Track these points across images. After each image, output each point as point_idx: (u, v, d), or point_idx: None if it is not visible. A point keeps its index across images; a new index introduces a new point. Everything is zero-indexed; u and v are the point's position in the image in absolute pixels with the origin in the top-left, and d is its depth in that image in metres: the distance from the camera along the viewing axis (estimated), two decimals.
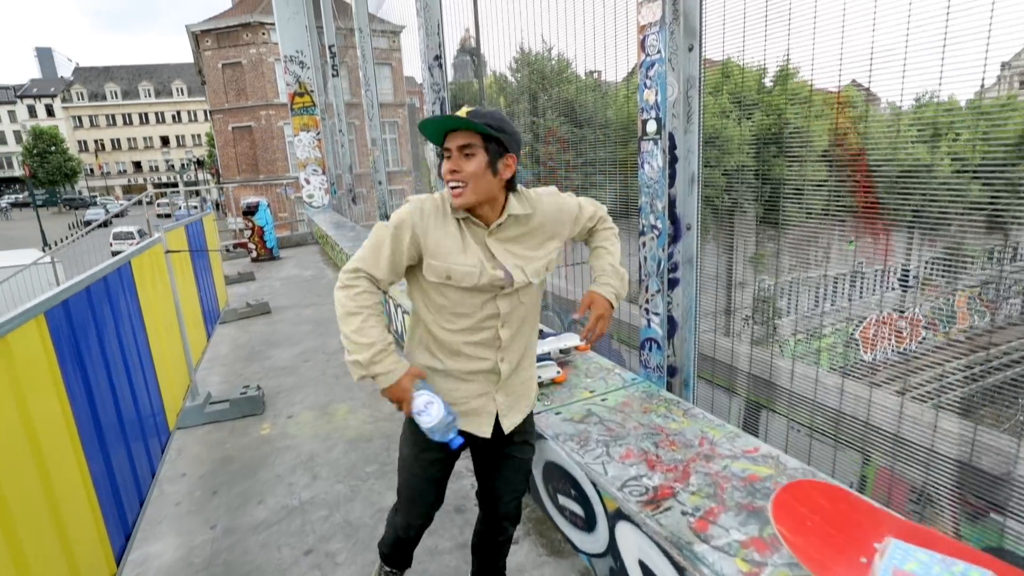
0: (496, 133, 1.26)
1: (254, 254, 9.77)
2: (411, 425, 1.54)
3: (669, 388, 2.30)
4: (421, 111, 7.47)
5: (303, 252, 10.74)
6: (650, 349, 2.31)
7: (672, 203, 2.13)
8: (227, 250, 10.89)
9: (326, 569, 2.29)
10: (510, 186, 1.36)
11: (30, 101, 59.39)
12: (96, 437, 2.08)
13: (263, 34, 24.78)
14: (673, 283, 2.20)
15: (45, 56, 65.27)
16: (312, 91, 10.46)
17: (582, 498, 1.86)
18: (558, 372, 2.31)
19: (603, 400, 2.17)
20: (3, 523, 1.41)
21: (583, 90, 3.10)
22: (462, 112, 1.26)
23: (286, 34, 10.32)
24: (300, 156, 11.72)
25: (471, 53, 4.59)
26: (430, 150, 4.60)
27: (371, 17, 6.89)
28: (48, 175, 49.88)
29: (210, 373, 4.75)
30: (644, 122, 2.12)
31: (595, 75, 3.13)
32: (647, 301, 2.29)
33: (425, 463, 1.58)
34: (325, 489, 2.89)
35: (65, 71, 64.46)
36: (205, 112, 48.37)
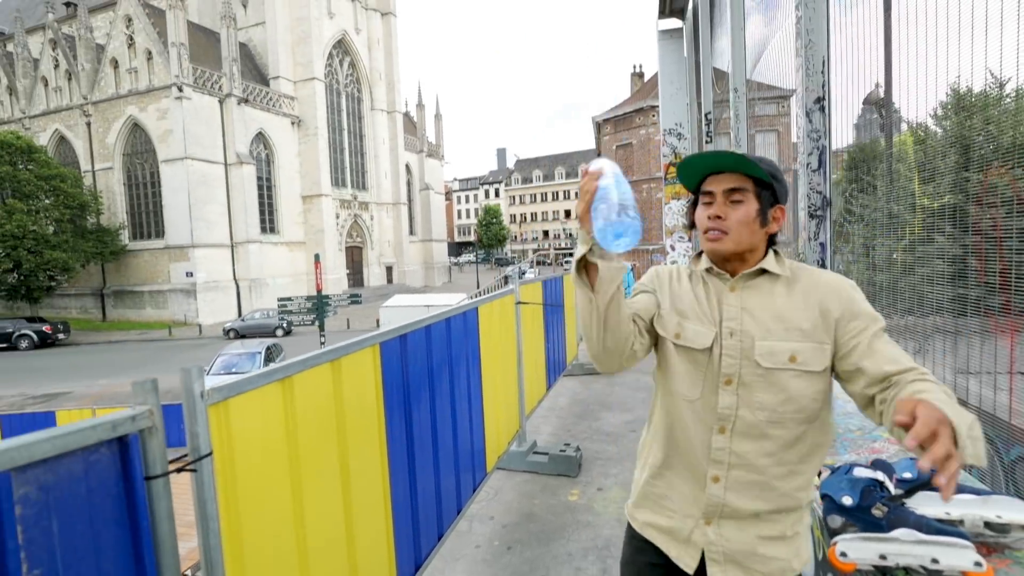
0: (772, 180, 1.11)
1: None
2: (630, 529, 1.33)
3: None
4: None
5: None
6: None
7: None
8: None
9: None
10: (771, 242, 1.18)
11: (487, 187, 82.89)
12: (406, 461, 2.24)
13: (652, 117, 27.21)
14: None
15: (501, 154, 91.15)
16: None
17: None
18: (978, 565, 1.30)
19: None
20: (296, 529, 1.55)
21: None
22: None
23: (667, 109, 10.88)
24: (667, 224, 11.98)
25: (877, 104, 3.81)
26: (803, 211, 3.85)
27: (757, 85, 6.57)
28: (488, 240, 67.03)
29: (544, 422, 4.98)
30: None
31: None
32: None
33: (640, 566, 1.27)
34: None
35: (511, 163, 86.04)
36: None
